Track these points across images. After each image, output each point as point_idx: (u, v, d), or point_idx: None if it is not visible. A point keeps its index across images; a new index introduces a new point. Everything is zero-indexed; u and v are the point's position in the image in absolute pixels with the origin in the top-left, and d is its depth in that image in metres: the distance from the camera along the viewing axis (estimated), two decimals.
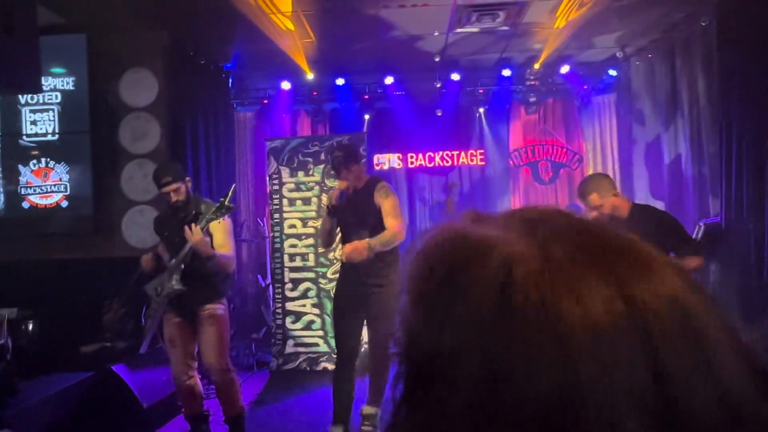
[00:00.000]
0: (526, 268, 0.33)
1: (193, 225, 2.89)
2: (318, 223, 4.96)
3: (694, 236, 4.28)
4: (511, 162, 6.42)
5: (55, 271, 4.21)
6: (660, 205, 5.15)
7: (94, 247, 4.41)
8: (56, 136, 4.42)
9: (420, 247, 0.40)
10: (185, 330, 3.12)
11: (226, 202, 2.96)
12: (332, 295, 5.00)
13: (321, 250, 4.94)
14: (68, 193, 4.41)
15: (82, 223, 4.37)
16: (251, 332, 5.22)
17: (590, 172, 6.35)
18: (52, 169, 4.42)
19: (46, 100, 4.42)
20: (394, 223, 3.00)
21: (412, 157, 6.40)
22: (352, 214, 3.11)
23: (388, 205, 3.06)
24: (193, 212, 3.03)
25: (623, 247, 0.36)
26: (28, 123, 4.46)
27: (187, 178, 3.14)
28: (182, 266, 2.97)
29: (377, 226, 3.01)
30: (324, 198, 2.64)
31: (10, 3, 3.15)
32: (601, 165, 6.27)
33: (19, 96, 4.45)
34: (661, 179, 5.26)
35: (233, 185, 3.36)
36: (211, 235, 3.02)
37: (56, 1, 3.94)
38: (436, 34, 4.96)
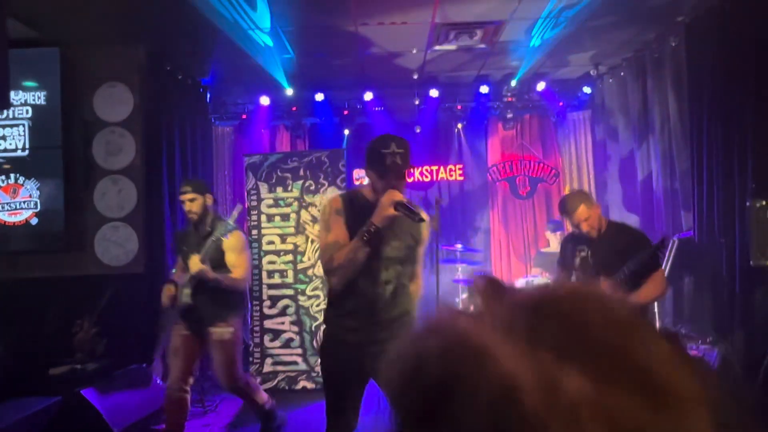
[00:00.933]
0: (526, 406, 0.29)
1: (192, 256, 3.10)
2: (297, 240, 4.98)
3: (667, 250, 4.43)
4: (490, 177, 6.55)
5: (24, 290, 4.13)
6: (634, 219, 5.33)
7: (64, 265, 4.35)
8: (26, 152, 4.37)
9: (415, 345, 0.35)
10: (191, 344, 3.23)
11: (231, 222, 3.19)
12: (311, 312, 5.04)
13: (300, 266, 4.96)
14: (38, 209, 4.34)
15: (52, 240, 4.31)
16: None
17: (567, 187, 6.52)
18: (22, 185, 4.36)
19: (16, 115, 4.36)
20: (419, 270, 2.42)
21: None
22: (392, 240, 2.25)
23: (426, 237, 2.39)
24: (209, 230, 3.22)
25: (646, 369, 0.31)
26: None
27: (208, 195, 3.31)
28: (193, 281, 3.15)
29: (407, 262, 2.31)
30: (380, 216, 2.02)
31: None
32: (577, 180, 6.44)
33: None
34: (635, 194, 5.43)
35: (239, 205, 3.44)
36: (224, 253, 3.20)
37: (29, 15, 3.93)
38: (415, 51, 5.08)
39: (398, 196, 2.10)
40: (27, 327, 3.89)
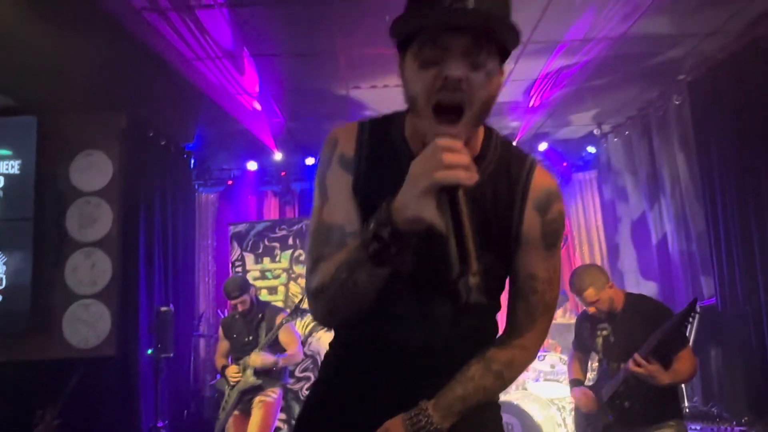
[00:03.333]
0: None
1: (252, 354, 3.72)
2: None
3: (690, 321, 4.32)
4: None
5: None
6: (651, 286, 5.24)
7: (28, 348, 4.20)
8: None
9: None
10: (241, 423, 3.73)
11: (301, 306, 3.85)
12: (301, 396, 4.81)
13: None
14: (3, 286, 4.25)
15: (16, 320, 4.18)
16: None
17: (577, 250, 6.47)
18: None
19: None
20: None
21: None
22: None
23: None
24: (259, 315, 3.86)
25: None
26: None
27: (252, 288, 3.97)
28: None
29: None
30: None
31: None
32: (587, 243, 6.40)
33: None
34: (651, 258, 5.38)
35: (286, 318, 3.88)
36: (277, 335, 3.80)
37: (7, 84, 4.03)
38: None
39: (460, 147, 0.92)
40: None
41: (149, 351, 4.36)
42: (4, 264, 4.27)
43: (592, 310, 2.86)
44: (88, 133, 4.56)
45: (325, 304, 1.10)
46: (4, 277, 4.26)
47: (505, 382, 1.20)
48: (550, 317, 1.22)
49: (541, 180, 1.14)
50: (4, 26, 3.25)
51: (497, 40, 0.97)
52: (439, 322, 1.14)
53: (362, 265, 1.00)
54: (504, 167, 1.13)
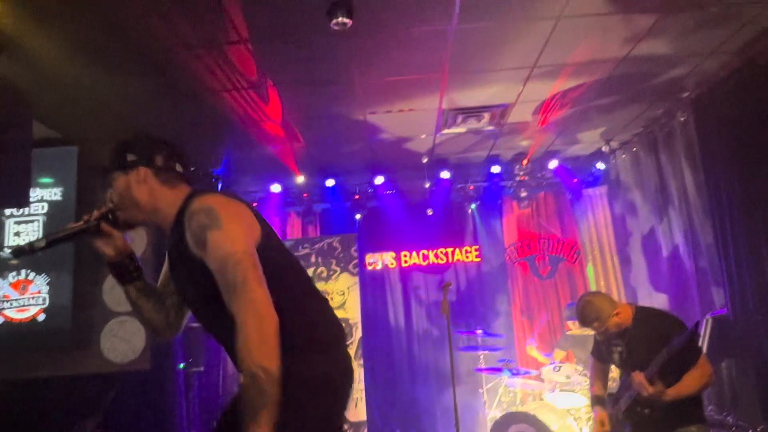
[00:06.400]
0: None
1: None
2: None
3: (702, 331, 4.28)
4: (507, 257, 6.54)
5: (24, 392, 4.11)
6: (663, 298, 5.21)
7: (68, 363, 4.34)
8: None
9: None
10: None
11: None
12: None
13: None
14: (46, 305, 4.42)
15: (59, 336, 4.34)
16: None
17: (589, 264, 6.47)
18: (32, 281, 4.47)
19: (32, 211, 4.58)
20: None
21: (405, 255, 6.53)
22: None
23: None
24: None
25: None
26: (11, 235, 4.58)
27: None
28: None
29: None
30: None
31: (3, 120, 3.40)
32: (599, 257, 6.40)
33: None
34: (662, 271, 5.36)
35: None
36: None
37: (52, 117, 4.24)
38: (424, 136, 5.31)
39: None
40: (26, 431, 3.83)
41: (181, 365, 4.47)
42: (47, 284, 4.45)
43: (601, 337, 2.93)
44: None
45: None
46: (47, 296, 4.43)
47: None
48: (246, 290, 1.38)
49: (190, 207, 1.52)
50: (51, 66, 3.45)
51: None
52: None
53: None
54: (179, 217, 1.58)
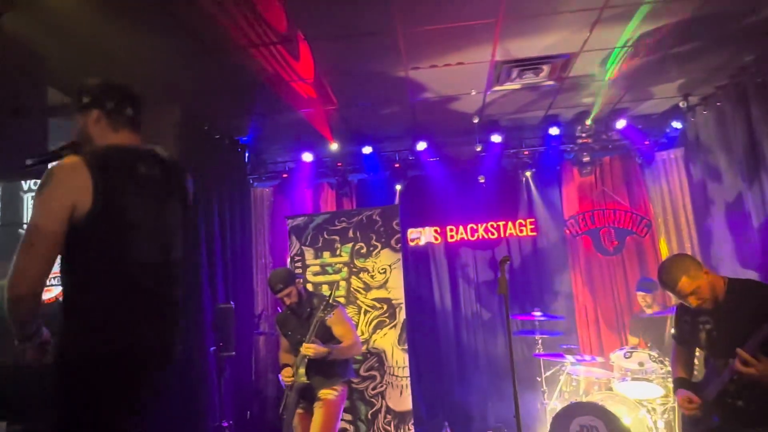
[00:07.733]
0: None
1: (304, 345, 3.66)
2: (348, 311, 4.91)
3: None
4: (567, 231, 6.34)
5: (46, 374, 4.22)
6: (752, 277, 4.94)
7: None
8: None
9: None
10: (306, 420, 3.82)
11: (330, 301, 3.72)
12: (367, 397, 4.86)
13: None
14: None
15: None
16: None
17: (662, 238, 6.21)
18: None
19: None
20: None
21: (451, 230, 6.41)
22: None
23: None
24: (308, 309, 3.86)
25: None
26: (31, 210, 4.68)
27: (298, 280, 3.94)
28: (306, 361, 3.67)
29: None
30: None
31: (17, 85, 3.42)
32: (675, 230, 6.13)
33: (22, 182, 4.71)
34: (750, 245, 5.08)
35: (333, 288, 3.99)
36: (330, 328, 3.81)
37: (67, 83, 4.25)
38: (473, 93, 5.12)
39: None
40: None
41: (212, 349, 4.52)
42: None
43: (692, 301, 2.68)
44: (143, 128, 4.74)
45: None
46: None
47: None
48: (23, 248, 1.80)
49: None
50: (67, 24, 3.43)
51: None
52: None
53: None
54: None
